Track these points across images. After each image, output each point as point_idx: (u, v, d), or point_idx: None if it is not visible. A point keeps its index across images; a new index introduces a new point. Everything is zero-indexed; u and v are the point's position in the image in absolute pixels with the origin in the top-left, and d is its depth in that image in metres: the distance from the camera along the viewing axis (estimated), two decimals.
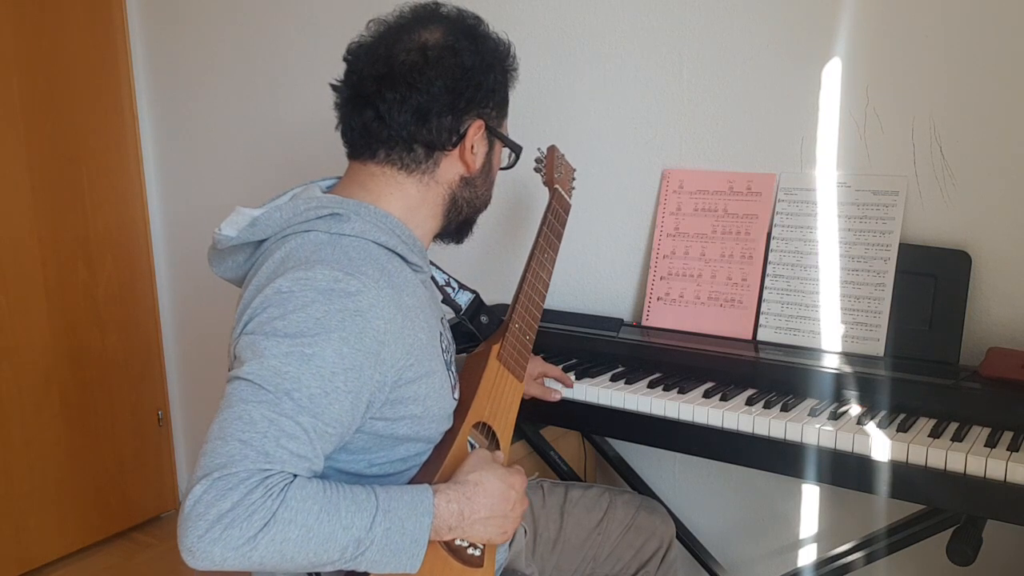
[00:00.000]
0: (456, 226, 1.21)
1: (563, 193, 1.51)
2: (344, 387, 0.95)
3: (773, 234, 1.63)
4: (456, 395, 1.16)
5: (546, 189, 1.52)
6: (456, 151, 1.14)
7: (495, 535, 1.06)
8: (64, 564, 2.47)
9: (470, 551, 1.09)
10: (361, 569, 0.95)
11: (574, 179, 1.62)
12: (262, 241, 1.09)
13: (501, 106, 1.19)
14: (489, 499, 1.04)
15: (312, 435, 0.92)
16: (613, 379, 1.52)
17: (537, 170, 1.55)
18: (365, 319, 0.97)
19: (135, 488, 2.67)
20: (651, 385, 1.47)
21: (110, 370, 2.57)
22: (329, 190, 1.16)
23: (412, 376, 1.04)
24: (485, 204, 1.23)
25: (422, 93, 1.09)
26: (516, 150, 1.24)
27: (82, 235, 2.47)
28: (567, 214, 1.51)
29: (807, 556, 1.77)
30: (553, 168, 1.52)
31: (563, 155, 1.57)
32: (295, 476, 0.90)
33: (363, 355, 0.97)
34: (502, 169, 1.27)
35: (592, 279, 1.91)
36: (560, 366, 1.60)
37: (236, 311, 1.04)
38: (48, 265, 2.39)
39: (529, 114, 1.92)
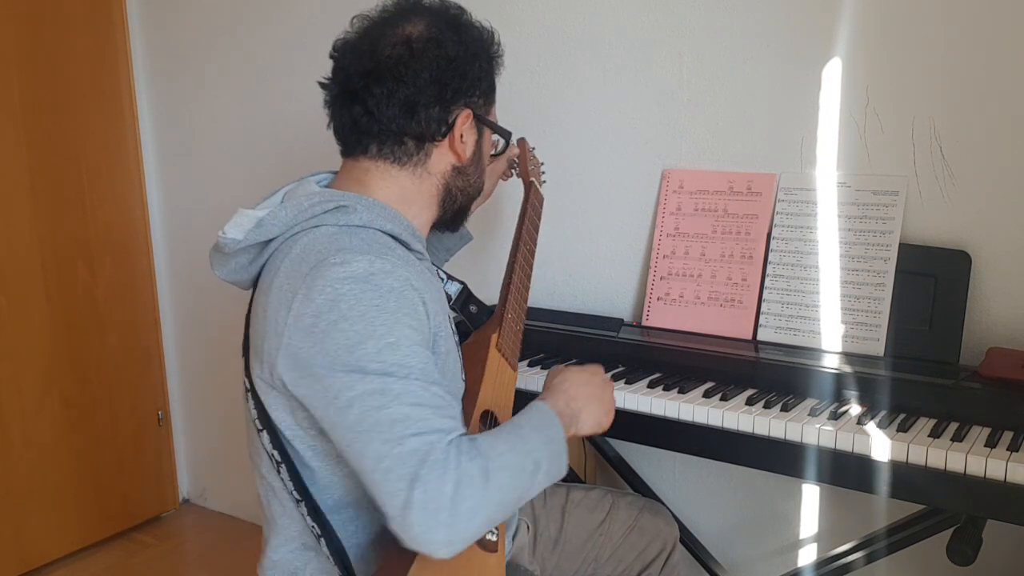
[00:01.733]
0: (452, 215, 1.23)
1: (538, 186, 1.52)
2: (427, 353, 1.01)
3: (773, 234, 1.63)
4: (463, 377, 1.18)
5: (516, 183, 1.53)
6: (446, 141, 1.15)
7: (601, 416, 1.16)
8: (64, 564, 2.47)
9: (487, 536, 1.10)
10: (539, 489, 1.01)
11: (544, 172, 1.64)
12: (268, 241, 1.09)
13: (488, 94, 1.20)
14: (581, 388, 1.14)
15: (448, 398, 0.98)
16: (613, 379, 1.51)
17: (511, 165, 1.56)
18: (407, 295, 1.01)
19: (135, 488, 2.67)
20: (651, 385, 1.47)
21: (110, 370, 2.57)
22: (324, 186, 1.17)
23: (439, 351, 1.07)
24: (478, 191, 1.25)
25: (409, 86, 1.10)
26: (505, 136, 1.26)
27: (82, 235, 2.47)
28: (542, 206, 1.53)
29: (807, 556, 1.77)
30: (527, 161, 1.53)
31: (533, 148, 1.58)
32: (464, 435, 0.95)
33: (420, 323, 1.02)
34: (493, 156, 1.28)
35: (592, 279, 1.91)
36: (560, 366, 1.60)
37: (255, 315, 1.05)
38: (48, 265, 2.39)
39: (529, 114, 1.92)
